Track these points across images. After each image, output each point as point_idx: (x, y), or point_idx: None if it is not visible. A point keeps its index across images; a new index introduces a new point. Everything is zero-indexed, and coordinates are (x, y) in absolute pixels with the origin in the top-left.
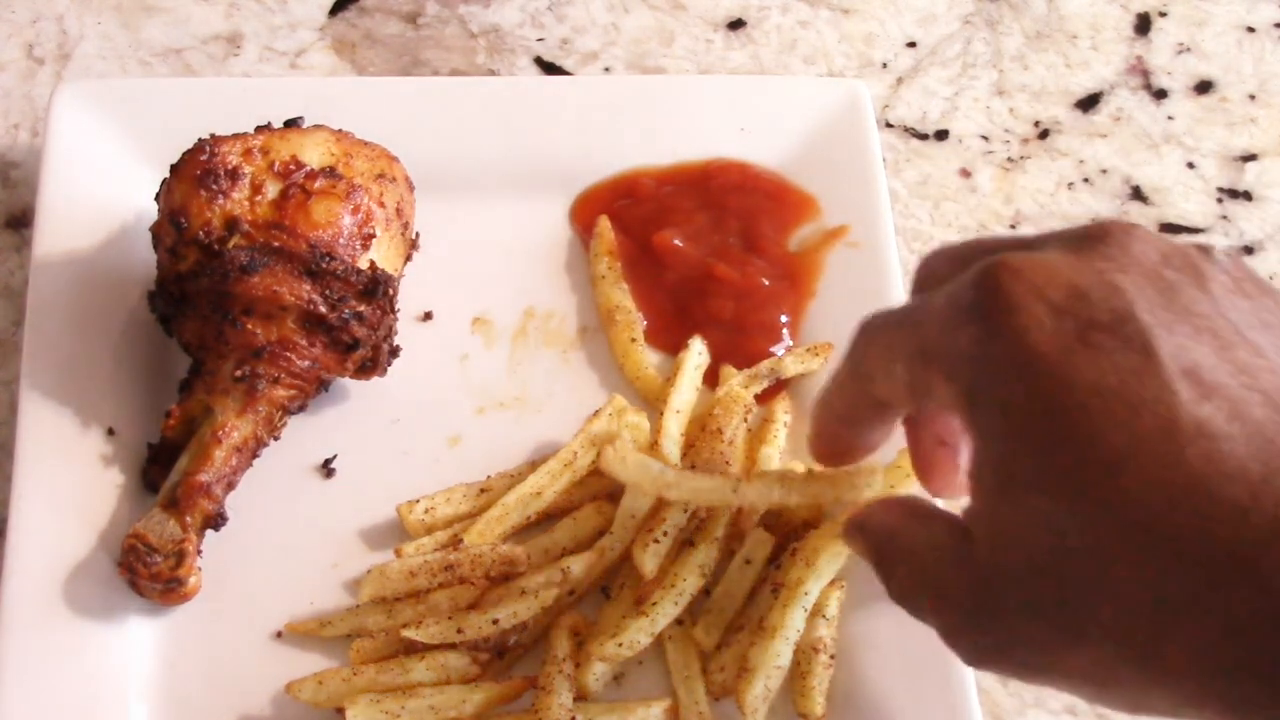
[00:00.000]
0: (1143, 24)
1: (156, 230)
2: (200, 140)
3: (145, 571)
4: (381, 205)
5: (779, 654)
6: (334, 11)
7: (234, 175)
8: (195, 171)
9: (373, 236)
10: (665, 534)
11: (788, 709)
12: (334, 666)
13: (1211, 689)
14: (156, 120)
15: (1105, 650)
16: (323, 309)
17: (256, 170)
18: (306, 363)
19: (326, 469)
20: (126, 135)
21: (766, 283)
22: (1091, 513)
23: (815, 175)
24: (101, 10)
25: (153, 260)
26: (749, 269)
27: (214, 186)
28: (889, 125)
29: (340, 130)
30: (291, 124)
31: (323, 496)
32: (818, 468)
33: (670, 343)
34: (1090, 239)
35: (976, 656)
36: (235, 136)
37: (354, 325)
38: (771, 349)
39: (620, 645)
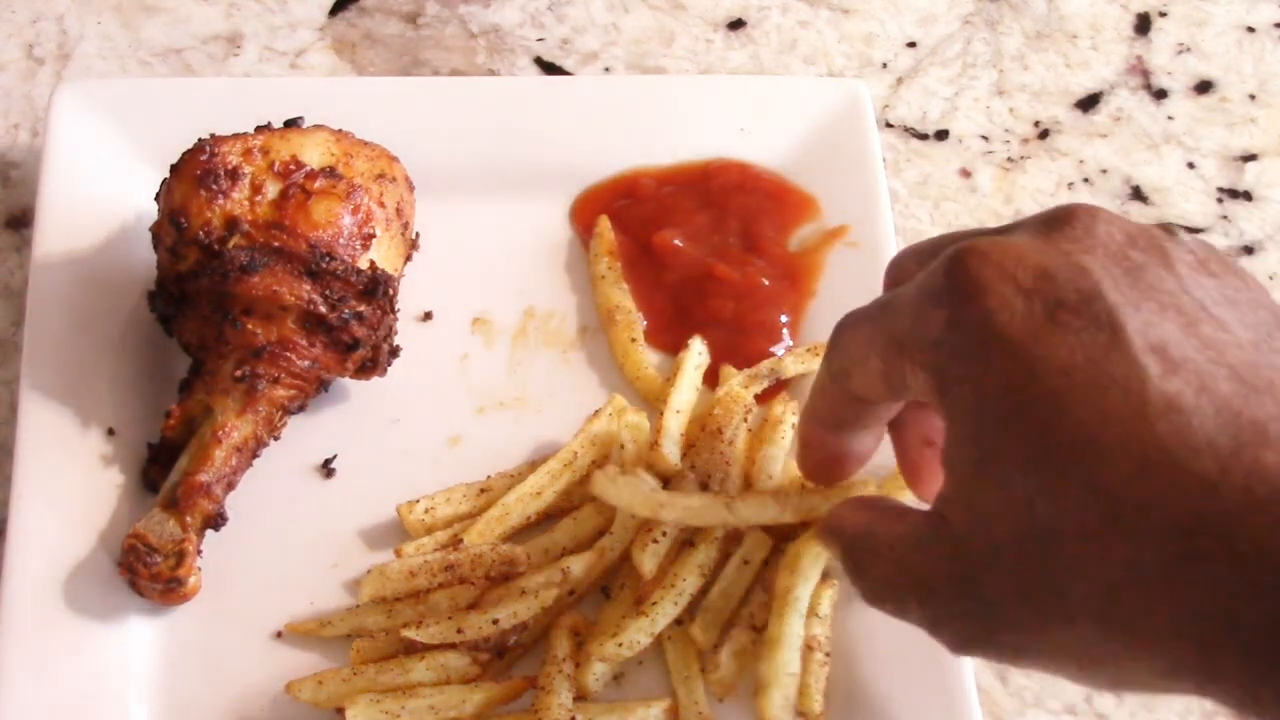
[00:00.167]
0: (1143, 24)
1: (156, 230)
2: (200, 140)
3: (145, 571)
4: (381, 205)
5: (788, 663)
6: (334, 11)
7: (234, 175)
8: (195, 171)
9: (373, 236)
10: (665, 534)
11: None
12: (334, 666)
13: (1188, 661)
14: (156, 120)
15: (1084, 627)
16: (323, 309)
17: (256, 170)
18: (306, 363)
19: (326, 469)
20: (126, 135)
21: (766, 283)
22: (1064, 489)
23: (815, 175)
24: (101, 10)
25: (153, 260)
26: (749, 269)
27: (214, 186)
28: (889, 125)
29: (340, 130)
30: (291, 124)
31: (323, 496)
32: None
33: (670, 343)
34: (1056, 222)
35: (962, 643)
36: (235, 136)
37: (354, 325)
38: (771, 349)
39: (620, 645)
